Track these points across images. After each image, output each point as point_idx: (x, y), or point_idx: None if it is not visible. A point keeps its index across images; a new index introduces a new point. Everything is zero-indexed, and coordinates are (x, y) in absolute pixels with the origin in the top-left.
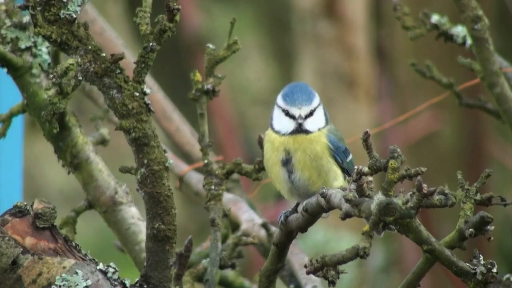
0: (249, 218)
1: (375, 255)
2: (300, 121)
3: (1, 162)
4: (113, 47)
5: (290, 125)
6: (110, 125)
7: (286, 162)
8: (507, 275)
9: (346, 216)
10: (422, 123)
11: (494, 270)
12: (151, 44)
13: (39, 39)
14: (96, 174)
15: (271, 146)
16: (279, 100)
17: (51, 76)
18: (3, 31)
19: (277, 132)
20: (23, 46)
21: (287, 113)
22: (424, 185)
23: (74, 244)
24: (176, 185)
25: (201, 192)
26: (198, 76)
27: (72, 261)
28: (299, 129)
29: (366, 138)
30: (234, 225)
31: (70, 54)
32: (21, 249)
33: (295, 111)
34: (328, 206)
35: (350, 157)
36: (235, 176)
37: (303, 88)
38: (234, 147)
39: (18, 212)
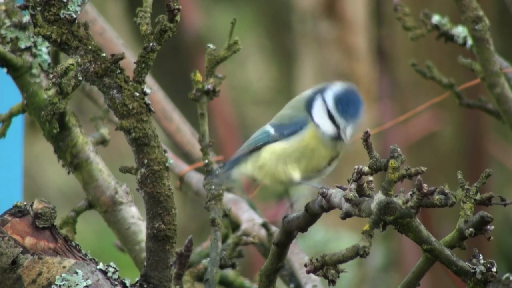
0: (249, 218)
1: (375, 254)
2: (342, 135)
3: (1, 162)
4: (113, 47)
5: (329, 129)
6: (110, 125)
7: (333, 159)
8: (507, 275)
9: (346, 215)
10: (422, 123)
11: (494, 269)
12: (151, 44)
13: (39, 39)
14: (96, 174)
15: (323, 147)
16: (331, 100)
17: (51, 76)
18: (3, 31)
19: (316, 126)
20: (23, 46)
21: (330, 116)
22: (424, 185)
23: (74, 244)
24: (176, 185)
25: (202, 192)
26: (198, 76)
27: (72, 261)
28: (337, 137)
29: (366, 138)
30: (235, 225)
31: (70, 54)
32: (21, 249)
33: (342, 123)
34: (328, 206)
35: None
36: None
37: (359, 103)
38: (235, 147)
39: (18, 212)
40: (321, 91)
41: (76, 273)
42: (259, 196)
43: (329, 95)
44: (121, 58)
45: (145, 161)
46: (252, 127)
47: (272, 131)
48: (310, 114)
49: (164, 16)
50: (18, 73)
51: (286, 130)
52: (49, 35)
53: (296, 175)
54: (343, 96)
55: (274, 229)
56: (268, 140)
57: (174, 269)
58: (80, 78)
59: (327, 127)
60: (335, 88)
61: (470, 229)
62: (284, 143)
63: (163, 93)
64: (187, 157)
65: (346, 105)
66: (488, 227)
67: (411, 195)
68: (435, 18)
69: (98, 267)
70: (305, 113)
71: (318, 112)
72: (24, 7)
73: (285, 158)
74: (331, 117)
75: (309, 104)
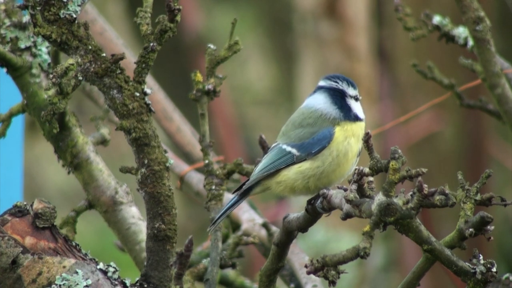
0: (249, 218)
1: (375, 255)
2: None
3: (1, 162)
4: (114, 47)
5: (360, 108)
6: (110, 125)
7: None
8: (506, 275)
9: (347, 216)
10: (423, 123)
11: (494, 269)
12: (151, 44)
13: (39, 39)
14: (96, 174)
15: (356, 139)
16: (350, 89)
17: (51, 76)
18: (2, 31)
19: (361, 120)
20: (22, 46)
21: (356, 98)
22: (425, 186)
23: (74, 243)
24: (176, 185)
25: (202, 192)
26: (199, 77)
27: (72, 260)
28: None
29: (367, 139)
30: (235, 225)
31: (70, 54)
32: (21, 248)
33: (358, 94)
34: (329, 207)
35: None
36: (236, 176)
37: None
38: (235, 147)
39: (18, 212)
40: (335, 93)
41: (76, 272)
42: (259, 196)
43: (350, 89)
44: (121, 58)
45: (146, 161)
46: (252, 128)
47: (295, 151)
48: (358, 118)
49: (165, 16)
50: (18, 73)
51: (314, 149)
52: (49, 35)
53: (327, 186)
54: (343, 77)
55: (275, 229)
56: (294, 161)
57: (175, 269)
58: (80, 78)
59: (360, 109)
60: (343, 82)
61: (470, 230)
62: (316, 161)
63: (164, 93)
64: (187, 157)
65: (347, 78)
66: (488, 227)
67: (411, 195)
68: (436, 19)
69: (98, 267)
70: (326, 124)
71: (356, 108)
72: (24, 7)
73: (318, 176)
74: (356, 98)
75: (347, 112)
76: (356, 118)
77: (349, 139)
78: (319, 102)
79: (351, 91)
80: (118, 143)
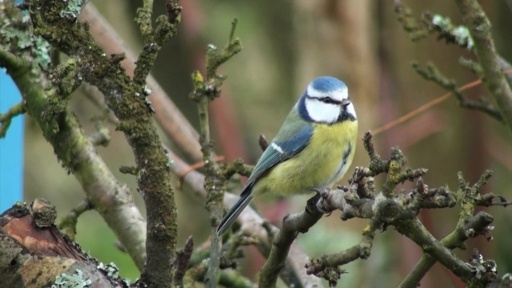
0: (250, 218)
1: (375, 255)
2: (346, 102)
3: (1, 162)
4: (114, 47)
5: (334, 111)
6: (110, 125)
7: (347, 154)
8: (506, 274)
9: (347, 216)
10: (423, 124)
11: (494, 269)
12: (152, 44)
13: (39, 39)
14: (96, 174)
15: (335, 142)
16: (313, 91)
17: (51, 76)
18: (2, 31)
19: (321, 122)
20: (22, 46)
21: (327, 100)
22: (425, 186)
23: (74, 243)
24: (177, 185)
25: (202, 192)
26: (199, 77)
27: (72, 260)
28: (345, 114)
29: (367, 139)
30: (235, 225)
31: (70, 54)
32: (21, 248)
33: (337, 95)
34: (329, 207)
35: None
36: (236, 176)
37: (333, 77)
38: (235, 148)
39: (18, 212)
40: (303, 95)
41: (76, 272)
42: (259, 196)
43: (310, 90)
44: (122, 58)
45: (146, 161)
46: (253, 128)
47: (280, 149)
48: (309, 119)
49: (165, 16)
50: (18, 73)
51: (294, 147)
52: (49, 35)
53: (314, 185)
54: (319, 80)
55: (275, 229)
56: (279, 160)
57: (175, 269)
58: (80, 78)
59: (331, 112)
60: (310, 84)
61: (470, 229)
62: (297, 160)
63: (164, 93)
64: (187, 158)
65: (326, 81)
66: (488, 227)
67: (411, 195)
68: (436, 19)
69: (98, 267)
70: (305, 123)
71: (314, 110)
72: (24, 7)
73: (301, 174)
74: (327, 100)
75: (302, 112)
76: (312, 120)
77: (327, 142)
78: (299, 102)
79: (315, 92)
80: (118, 143)
